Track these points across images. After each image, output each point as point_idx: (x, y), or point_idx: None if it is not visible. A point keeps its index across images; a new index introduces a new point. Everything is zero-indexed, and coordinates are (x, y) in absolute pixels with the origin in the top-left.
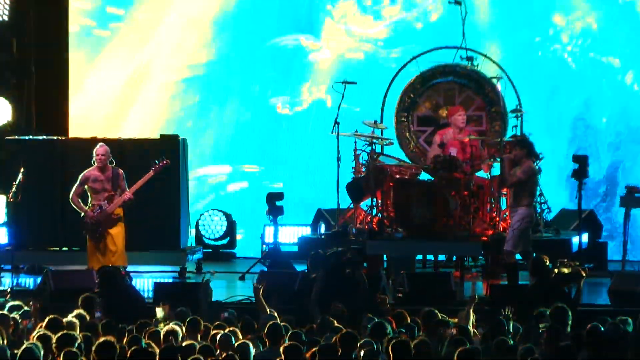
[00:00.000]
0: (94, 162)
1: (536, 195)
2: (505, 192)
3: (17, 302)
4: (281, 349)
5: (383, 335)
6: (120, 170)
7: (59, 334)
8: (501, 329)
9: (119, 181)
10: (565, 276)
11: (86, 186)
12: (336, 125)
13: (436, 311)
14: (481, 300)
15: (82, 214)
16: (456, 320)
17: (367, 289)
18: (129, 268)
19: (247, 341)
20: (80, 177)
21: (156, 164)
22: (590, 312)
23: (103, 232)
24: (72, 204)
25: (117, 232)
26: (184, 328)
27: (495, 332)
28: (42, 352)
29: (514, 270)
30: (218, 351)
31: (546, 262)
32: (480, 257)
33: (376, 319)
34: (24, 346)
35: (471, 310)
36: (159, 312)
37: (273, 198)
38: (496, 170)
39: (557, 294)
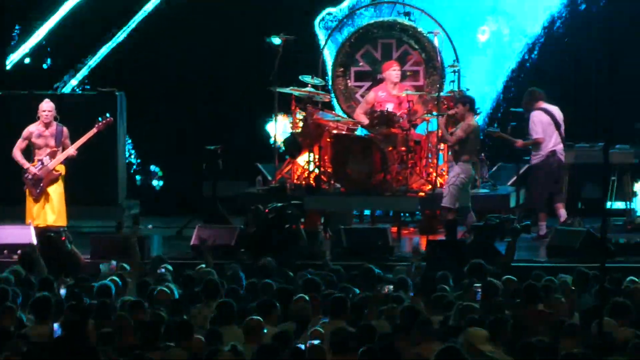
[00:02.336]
0: (38, 118)
1: (476, 151)
2: (442, 148)
3: None
4: (215, 305)
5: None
6: (65, 128)
7: None
8: (432, 284)
9: (63, 138)
10: (500, 231)
11: (29, 141)
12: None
13: (373, 266)
14: (418, 255)
15: (24, 169)
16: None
17: (306, 244)
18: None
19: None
20: (23, 132)
21: (99, 122)
22: (527, 267)
23: (44, 188)
24: (14, 158)
25: (57, 190)
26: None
27: (426, 287)
28: None
29: (451, 227)
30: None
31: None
32: (417, 212)
33: (309, 275)
34: None
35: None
36: (103, 268)
37: (211, 153)
38: (433, 125)
39: (487, 250)
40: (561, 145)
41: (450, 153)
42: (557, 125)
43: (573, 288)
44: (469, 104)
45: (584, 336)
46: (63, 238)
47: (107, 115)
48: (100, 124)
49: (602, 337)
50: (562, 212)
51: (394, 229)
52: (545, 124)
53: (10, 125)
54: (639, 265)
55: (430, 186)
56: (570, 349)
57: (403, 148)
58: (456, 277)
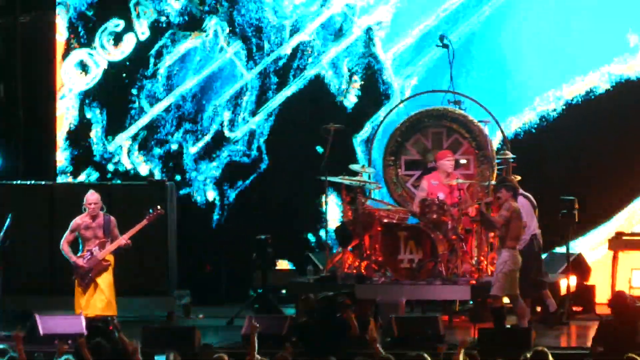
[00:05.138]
0: (84, 209)
1: (521, 237)
2: (492, 236)
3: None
4: None
5: None
6: (112, 217)
7: None
8: None
9: (111, 228)
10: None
11: (77, 233)
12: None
13: (426, 355)
14: (469, 344)
15: (72, 261)
16: None
17: (358, 333)
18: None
19: None
20: (71, 224)
21: (150, 213)
22: (579, 355)
23: (93, 278)
24: (62, 251)
25: (106, 280)
26: None
27: None
28: None
29: (500, 315)
30: None
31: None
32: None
33: None
34: None
35: (461, 355)
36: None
37: (261, 243)
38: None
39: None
40: (539, 230)
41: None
42: (535, 209)
43: None
44: (512, 190)
45: None
46: (110, 327)
47: (158, 207)
48: (151, 215)
49: None
50: (551, 301)
51: (445, 318)
52: (526, 208)
53: (57, 215)
54: None
55: (480, 274)
56: None
57: (454, 236)
58: None
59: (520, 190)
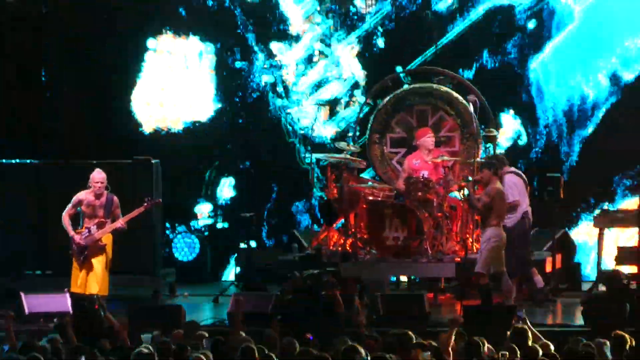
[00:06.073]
0: (89, 186)
1: (505, 214)
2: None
3: None
4: None
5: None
6: (115, 198)
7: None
8: (475, 350)
9: (113, 208)
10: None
11: (79, 208)
12: (309, 146)
13: (411, 333)
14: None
15: (69, 236)
16: (431, 342)
17: (343, 311)
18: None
19: None
20: (73, 198)
21: (148, 201)
22: (564, 332)
23: (88, 257)
24: (63, 224)
25: (101, 260)
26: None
27: (469, 354)
28: None
29: (486, 292)
30: None
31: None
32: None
33: (349, 342)
34: None
35: (452, 336)
36: (146, 337)
37: (246, 221)
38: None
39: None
40: (530, 208)
41: (481, 218)
42: (527, 186)
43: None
44: (493, 168)
45: None
46: (96, 306)
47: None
48: (148, 203)
49: None
50: (539, 279)
51: (430, 295)
52: (519, 186)
53: (47, 195)
54: None
55: (465, 252)
56: None
57: (439, 214)
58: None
59: (513, 169)
